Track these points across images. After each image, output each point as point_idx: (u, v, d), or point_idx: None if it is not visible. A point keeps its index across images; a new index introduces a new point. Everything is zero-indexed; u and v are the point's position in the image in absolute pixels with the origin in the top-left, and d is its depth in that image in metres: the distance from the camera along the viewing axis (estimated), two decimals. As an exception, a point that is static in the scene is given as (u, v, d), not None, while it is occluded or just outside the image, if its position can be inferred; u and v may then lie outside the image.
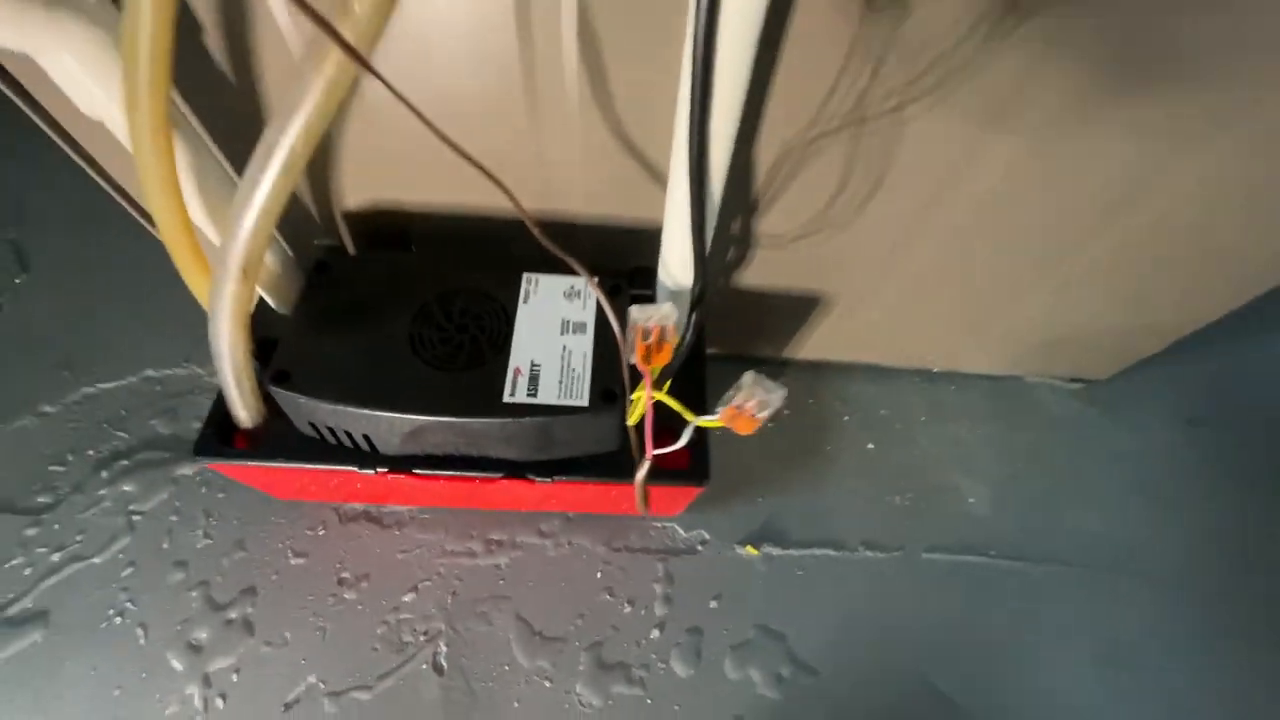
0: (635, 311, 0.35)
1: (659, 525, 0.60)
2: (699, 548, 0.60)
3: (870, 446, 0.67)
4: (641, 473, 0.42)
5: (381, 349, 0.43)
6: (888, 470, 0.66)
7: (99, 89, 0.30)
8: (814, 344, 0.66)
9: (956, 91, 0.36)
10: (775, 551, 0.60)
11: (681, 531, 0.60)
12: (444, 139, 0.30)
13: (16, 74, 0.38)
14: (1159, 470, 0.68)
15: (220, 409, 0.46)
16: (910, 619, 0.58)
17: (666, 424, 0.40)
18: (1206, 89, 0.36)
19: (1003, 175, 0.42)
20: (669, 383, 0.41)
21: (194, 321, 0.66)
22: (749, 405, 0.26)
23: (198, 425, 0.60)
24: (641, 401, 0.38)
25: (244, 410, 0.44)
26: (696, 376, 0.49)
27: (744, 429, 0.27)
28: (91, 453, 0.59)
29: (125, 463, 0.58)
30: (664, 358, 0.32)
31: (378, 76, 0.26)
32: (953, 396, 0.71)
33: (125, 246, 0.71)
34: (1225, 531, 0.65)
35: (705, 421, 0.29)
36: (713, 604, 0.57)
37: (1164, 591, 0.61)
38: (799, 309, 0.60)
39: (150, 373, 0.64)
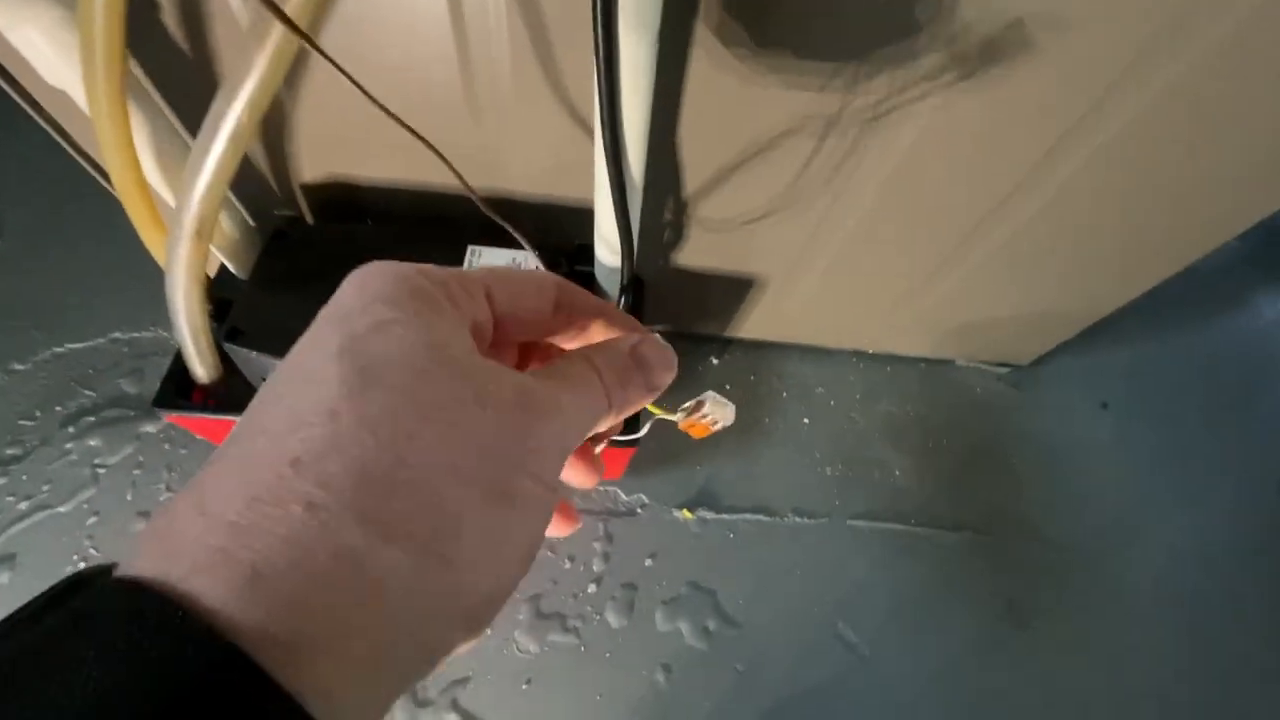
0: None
1: (601, 488, 0.64)
2: (638, 510, 0.64)
3: (805, 421, 0.71)
4: (600, 448, 0.45)
5: (331, 311, 0.46)
6: (821, 443, 0.70)
7: (61, 61, 0.33)
8: (754, 324, 0.71)
9: (856, 89, 0.40)
10: (709, 515, 0.64)
11: (623, 495, 0.64)
12: (386, 111, 0.33)
13: None
14: (1070, 448, 0.73)
15: (180, 365, 0.49)
16: (830, 579, 0.63)
17: None
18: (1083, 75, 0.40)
19: (905, 157, 0.46)
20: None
21: (161, 287, 0.69)
22: (706, 420, 0.30)
23: (163, 386, 0.63)
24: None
25: (201, 366, 0.48)
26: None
27: (697, 434, 0.31)
28: (59, 409, 0.61)
29: (91, 419, 0.61)
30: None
31: (317, 49, 0.30)
32: (887, 377, 0.76)
33: (95, 214, 0.74)
34: (1124, 505, 0.70)
35: (663, 413, 0.32)
36: (648, 562, 0.61)
37: (1064, 555, 0.66)
38: (736, 290, 0.64)
39: (118, 335, 0.66)
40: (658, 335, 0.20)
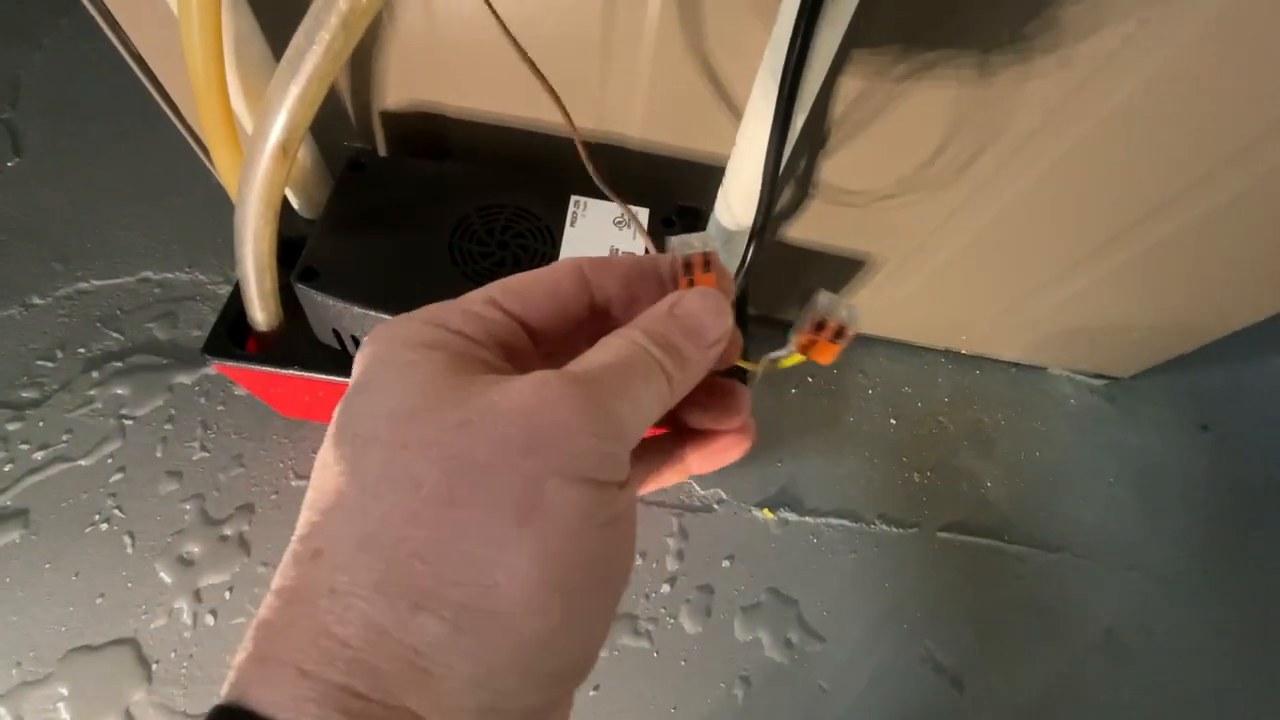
0: (674, 241, 0.32)
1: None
2: (715, 506, 0.58)
3: (892, 422, 0.66)
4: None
5: (418, 257, 0.40)
6: (908, 446, 0.65)
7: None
8: (846, 313, 0.64)
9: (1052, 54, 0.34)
10: (791, 517, 0.59)
11: (698, 489, 0.59)
12: (506, 31, 0.27)
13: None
14: (1165, 470, 0.68)
15: (234, 308, 0.43)
16: (920, 593, 0.57)
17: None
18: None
19: (1065, 154, 0.40)
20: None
21: (200, 228, 0.62)
22: (831, 324, 0.23)
23: (197, 333, 0.57)
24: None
25: (261, 311, 0.41)
26: (740, 323, 0.47)
27: (824, 357, 0.24)
28: (82, 351, 0.55)
29: (118, 364, 0.55)
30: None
31: None
32: (977, 381, 0.70)
33: (130, 142, 0.67)
34: (1220, 535, 0.65)
35: (782, 358, 0.26)
36: (725, 564, 0.56)
37: (1160, 586, 0.61)
38: (841, 271, 0.58)
39: (149, 274, 0.60)
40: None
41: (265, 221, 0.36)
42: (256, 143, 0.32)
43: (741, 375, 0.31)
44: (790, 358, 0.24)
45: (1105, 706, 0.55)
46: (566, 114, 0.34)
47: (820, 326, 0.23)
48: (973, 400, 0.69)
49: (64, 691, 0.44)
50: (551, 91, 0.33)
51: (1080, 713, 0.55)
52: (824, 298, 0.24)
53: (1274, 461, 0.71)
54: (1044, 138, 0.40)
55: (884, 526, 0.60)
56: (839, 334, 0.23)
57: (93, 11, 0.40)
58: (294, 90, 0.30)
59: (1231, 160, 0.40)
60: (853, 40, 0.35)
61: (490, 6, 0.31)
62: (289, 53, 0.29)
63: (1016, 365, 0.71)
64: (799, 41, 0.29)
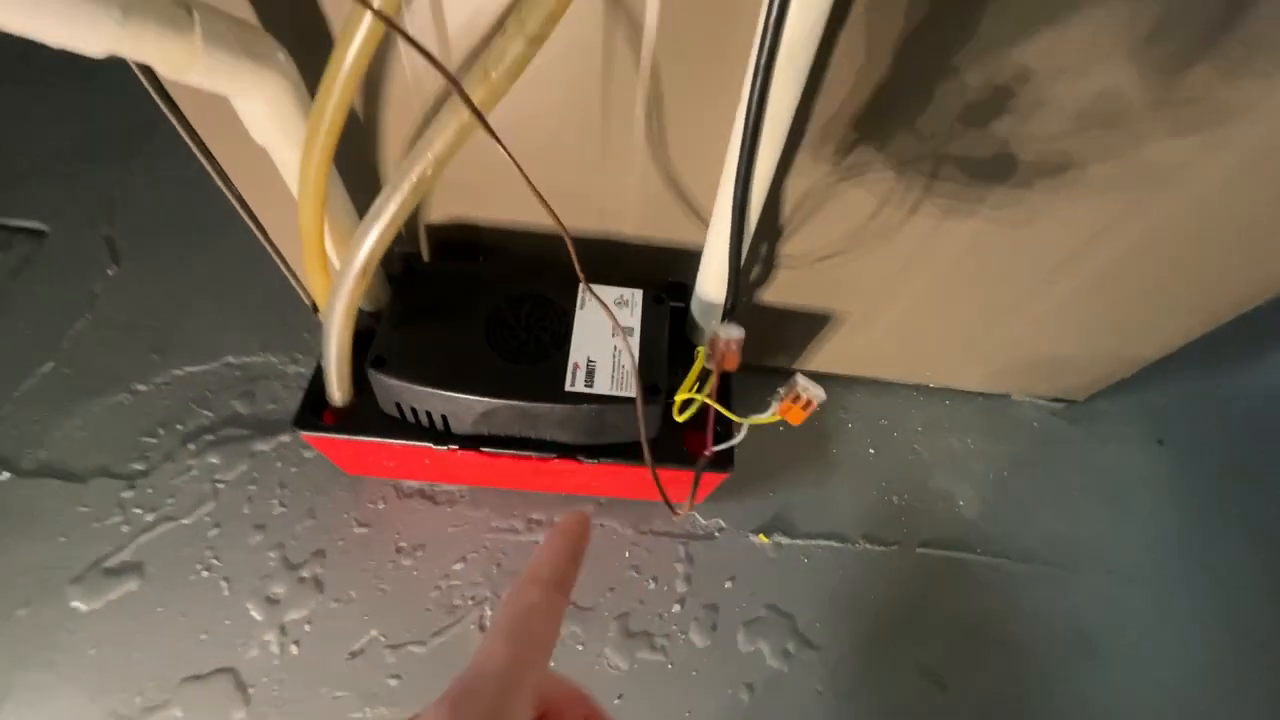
0: (720, 329, 0.43)
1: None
2: (716, 534, 0.67)
3: (871, 452, 0.74)
4: (702, 463, 0.49)
5: (462, 343, 0.50)
6: (887, 472, 0.73)
7: (275, 128, 0.38)
8: (822, 358, 0.74)
9: (967, 141, 0.44)
10: (784, 540, 0.67)
11: (701, 520, 0.67)
12: (526, 178, 0.37)
13: (183, 107, 0.46)
14: (1127, 483, 0.75)
15: (315, 389, 0.53)
16: (904, 604, 0.65)
17: (701, 426, 0.48)
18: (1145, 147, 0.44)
19: (989, 216, 0.50)
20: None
21: (269, 318, 0.74)
22: (803, 398, 0.33)
23: (272, 406, 0.68)
24: (693, 401, 0.46)
25: (339, 390, 0.52)
26: (724, 386, 0.57)
27: (795, 419, 0.35)
28: (180, 427, 0.66)
29: (210, 437, 0.66)
30: (731, 364, 0.40)
31: (490, 131, 0.34)
32: (947, 411, 0.79)
33: (206, 249, 0.79)
34: (1182, 537, 0.72)
35: (761, 419, 0.36)
36: (728, 584, 0.64)
37: (1128, 587, 0.68)
38: (812, 325, 0.68)
39: (230, 359, 0.71)
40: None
41: (345, 326, 0.47)
42: (345, 271, 0.43)
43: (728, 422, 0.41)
44: (770, 417, 0.35)
45: (1080, 701, 0.62)
46: (559, 222, 0.44)
47: (796, 399, 0.34)
48: (944, 428, 0.77)
49: (179, 715, 0.53)
50: (548, 207, 0.44)
51: (1056, 708, 0.61)
52: (801, 379, 0.35)
53: (1227, 468, 0.78)
54: (961, 210, 0.50)
55: (867, 545, 0.68)
56: (808, 405, 0.34)
57: (202, 160, 0.52)
58: (374, 234, 0.41)
59: (1126, 210, 0.50)
60: (790, 157, 0.46)
61: (511, 157, 0.42)
62: (373, 210, 0.41)
63: (982, 394, 0.80)
64: (745, 162, 0.39)
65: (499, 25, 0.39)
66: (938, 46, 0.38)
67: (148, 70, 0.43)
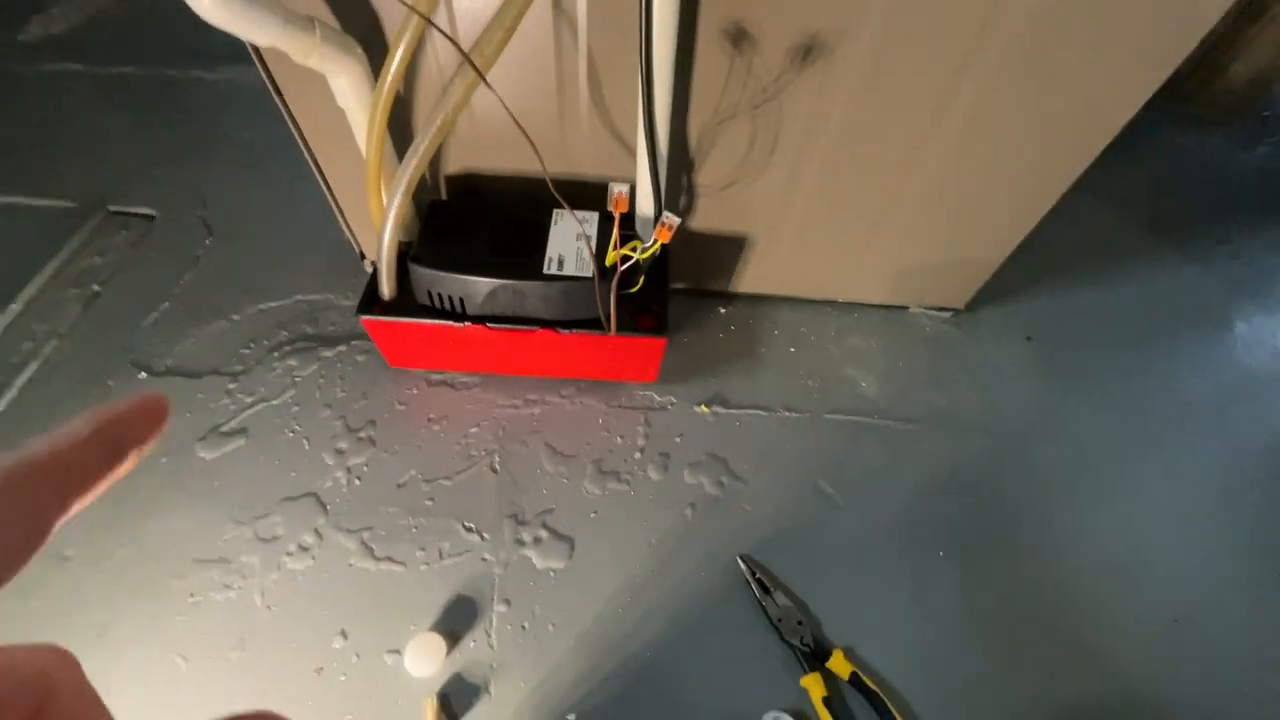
0: (615, 186, 0.64)
1: (641, 392, 0.88)
2: (668, 407, 0.87)
3: (792, 350, 0.95)
4: (613, 285, 0.70)
5: (473, 247, 0.73)
6: (804, 365, 0.94)
7: (353, 96, 0.62)
8: (748, 280, 0.96)
9: (791, 92, 0.67)
10: (721, 410, 0.87)
11: (656, 397, 0.88)
12: (519, 126, 0.60)
13: (287, 97, 0.70)
14: (998, 369, 0.95)
15: (369, 291, 0.76)
16: (812, 451, 0.85)
17: (643, 309, 0.70)
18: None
19: (834, 139, 0.72)
20: (640, 281, 0.71)
21: (326, 268, 0.98)
22: (667, 223, 0.55)
23: (332, 328, 0.91)
24: (612, 251, 0.68)
25: (387, 285, 0.74)
26: (662, 297, 0.78)
27: (665, 238, 0.57)
28: (266, 342, 0.89)
29: (288, 348, 0.88)
30: (621, 207, 0.62)
31: (489, 86, 0.57)
32: (855, 321, 1.00)
33: (276, 224, 1.04)
34: (1039, 405, 0.91)
35: (649, 248, 0.58)
36: (677, 439, 0.84)
37: (994, 441, 0.87)
38: (733, 248, 0.89)
39: (299, 297, 0.94)
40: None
41: (394, 233, 0.70)
42: (395, 189, 0.66)
43: (636, 264, 0.63)
44: (653, 246, 0.58)
45: (956, 514, 0.81)
46: (542, 162, 0.67)
47: (663, 224, 0.56)
48: (852, 333, 0.98)
49: (279, 520, 0.74)
50: (537, 153, 0.66)
51: (933, 520, 0.80)
52: (666, 213, 0.58)
53: (1079, 353, 0.97)
54: (812, 134, 0.73)
55: (786, 413, 0.88)
56: (671, 226, 0.56)
57: (292, 130, 0.76)
58: (414, 163, 0.64)
59: (920, 134, 0.72)
60: (684, 106, 0.69)
61: (505, 107, 0.65)
62: (412, 147, 0.64)
63: (884, 307, 1.01)
64: (648, 107, 0.62)
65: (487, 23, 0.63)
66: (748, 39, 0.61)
67: (269, 73, 0.67)
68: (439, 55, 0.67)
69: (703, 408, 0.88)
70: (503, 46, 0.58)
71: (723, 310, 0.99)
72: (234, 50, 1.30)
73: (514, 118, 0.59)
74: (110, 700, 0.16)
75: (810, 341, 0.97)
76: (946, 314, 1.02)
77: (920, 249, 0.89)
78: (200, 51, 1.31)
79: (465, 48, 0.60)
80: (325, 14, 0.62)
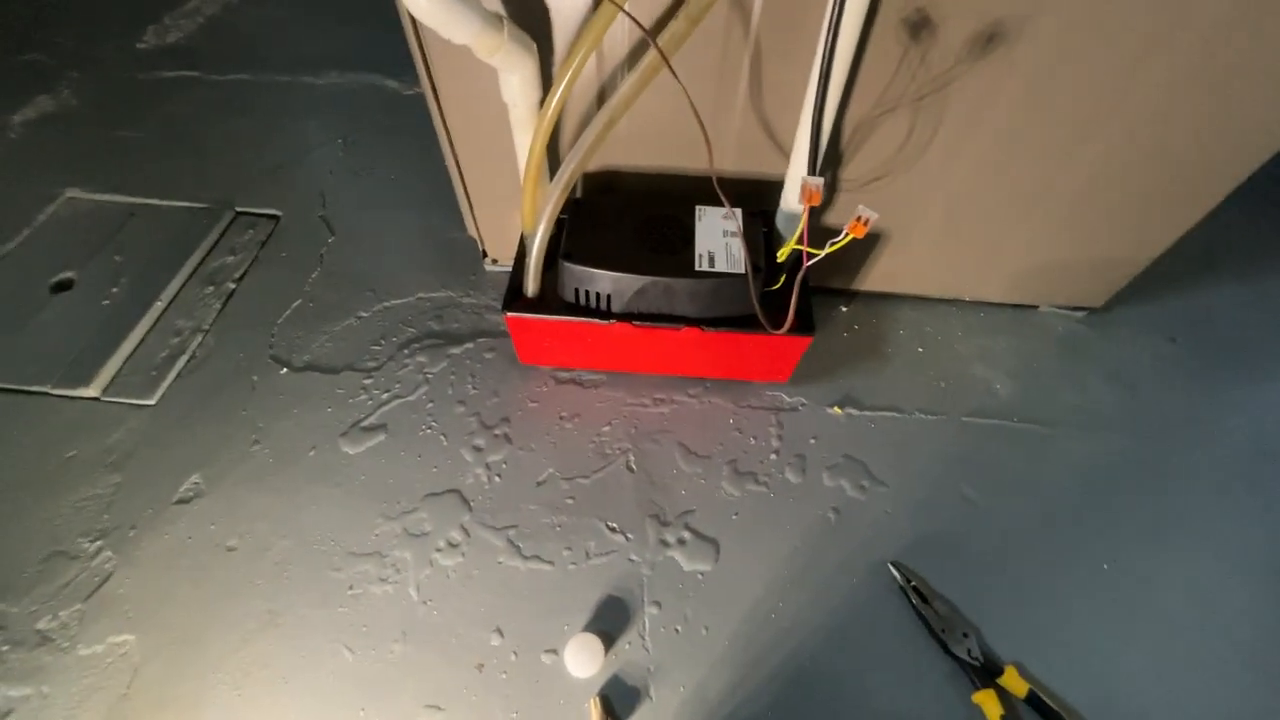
0: (807, 179, 0.62)
1: (770, 392, 0.86)
2: (799, 408, 0.85)
3: (920, 350, 0.92)
4: (797, 281, 0.68)
5: (622, 244, 0.72)
6: (933, 366, 0.91)
7: (522, 91, 0.62)
8: (874, 278, 0.93)
9: (962, 83, 0.64)
10: (854, 411, 0.85)
11: (786, 398, 0.86)
12: (699, 120, 0.59)
13: (439, 88, 0.70)
14: (1140, 371, 0.90)
15: (513, 287, 0.76)
16: (951, 454, 0.82)
17: (782, 309, 0.69)
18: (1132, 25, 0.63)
19: (992, 136, 0.70)
20: (782, 279, 0.70)
21: (445, 266, 0.99)
22: (864, 217, 0.54)
23: (456, 325, 0.92)
24: (788, 261, 0.67)
25: (533, 283, 0.74)
26: (804, 295, 0.77)
27: (860, 233, 0.55)
28: (395, 339, 0.90)
29: (416, 345, 0.89)
30: (815, 200, 0.60)
31: (675, 76, 0.56)
32: (981, 320, 0.96)
33: (394, 221, 1.05)
34: (1179, 409, 0.86)
35: (837, 243, 0.56)
36: (812, 441, 0.82)
37: (1125, 442, 0.83)
38: (863, 245, 0.87)
39: (421, 295, 0.95)
40: None
41: (546, 234, 0.70)
42: (554, 186, 0.66)
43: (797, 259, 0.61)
44: (843, 240, 0.55)
45: (1094, 527, 0.77)
46: (711, 159, 0.66)
47: (858, 219, 0.55)
48: (979, 333, 0.95)
49: (425, 515, 0.74)
50: (709, 147, 0.65)
51: (1073, 531, 0.76)
52: (861, 207, 0.56)
53: (1233, 359, 0.92)
54: (969, 133, 0.70)
55: (921, 415, 0.85)
56: (867, 221, 0.54)
57: (441, 134, 0.76)
58: (578, 156, 0.64)
59: (1087, 128, 0.69)
60: (847, 97, 0.67)
61: (693, 107, 0.64)
62: (581, 138, 0.63)
63: (1011, 306, 0.97)
64: (821, 98, 0.60)
65: (669, 12, 0.62)
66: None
67: (430, 76, 0.68)
68: (602, 59, 0.66)
69: (835, 409, 0.85)
70: (685, 39, 0.57)
71: (844, 308, 0.96)
72: (339, 56, 1.34)
73: (695, 109, 0.58)
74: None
75: (937, 341, 0.94)
76: (1079, 314, 0.97)
77: (1061, 246, 0.85)
78: (306, 58, 1.35)
79: (635, 37, 0.59)
80: (506, 13, 0.62)
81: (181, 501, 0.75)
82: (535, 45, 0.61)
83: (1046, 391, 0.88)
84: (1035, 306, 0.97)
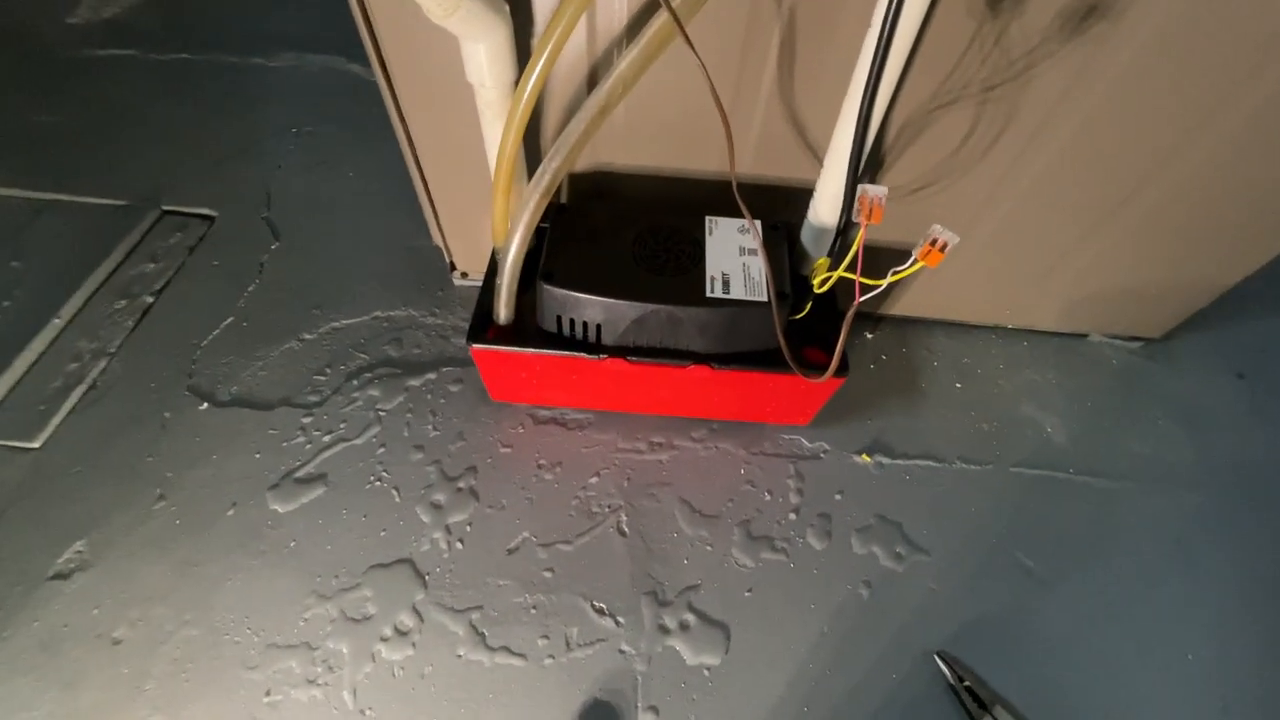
0: (867, 187, 0.49)
1: (787, 436, 0.73)
2: (821, 455, 0.72)
3: (958, 385, 0.80)
4: (847, 318, 0.55)
5: (615, 262, 0.59)
6: (974, 404, 0.78)
7: (491, 69, 0.48)
8: (905, 301, 0.80)
9: (1044, 71, 0.52)
10: (885, 460, 0.72)
11: (806, 443, 0.73)
12: (719, 106, 0.46)
13: (391, 67, 0.56)
14: (1207, 410, 0.79)
15: (479, 313, 0.62)
16: (1001, 514, 0.69)
17: (817, 341, 0.56)
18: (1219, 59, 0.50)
19: (1066, 136, 0.57)
20: (808, 307, 0.57)
21: (407, 279, 0.85)
22: (940, 240, 0.40)
23: (418, 351, 0.78)
24: (831, 274, 0.53)
25: (505, 309, 0.61)
26: (834, 326, 0.64)
27: (934, 262, 0.42)
28: (343, 367, 0.75)
29: (369, 375, 0.75)
30: (877, 218, 0.47)
31: (692, 48, 0.43)
32: (1026, 350, 0.84)
33: (349, 226, 0.91)
34: (1256, 460, 0.75)
35: (903, 271, 0.43)
36: (837, 497, 0.69)
37: (1201, 498, 0.71)
38: (894, 263, 0.74)
39: (379, 313, 0.81)
40: None
41: (524, 242, 0.56)
42: (532, 188, 0.52)
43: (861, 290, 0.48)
44: (912, 267, 0.42)
45: (1174, 604, 0.65)
46: (732, 151, 0.53)
47: (933, 243, 0.41)
48: (1024, 365, 0.82)
49: (369, 594, 0.60)
50: (730, 143, 0.51)
51: (1151, 609, 0.64)
52: (936, 226, 0.42)
53: (1310, 400, 0.80)
54: (1043, 133, 0.57)
55: (963, 465, 0.73)
56: (944, 246, 0.41)
57: (395, 119, 0.62)
58: (563, 153, 0.50)
59: (1189, 133, 0.56)
60: (901, 86, 0.54)
61: (711, 86, 0.50)
62: (566, 130, 0.50)
63: (1059, 335, 0.85)
64: (874, 84, 0.47)
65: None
66: (1033, -24, 0.46)
67: (378, 49, 0.54)
68: (595, 21, 0.53)
69: (863, 457, 0.72)
70: (704, 2, 0.44)
71: (869, 335, 0.84)
72: (297, 36, 1.15)
73: (715, 92, 0.45)
74: None
75: (976, 375, 0.81)
76: (1136, 344, 0.85)
77: (1125, 270, 0.73)
78: (260, 36, 1.20)
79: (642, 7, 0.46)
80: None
81: (59, 576, 0.60)
82: (507, 6, 0.47)
83: (1108, 436, 0.76)
84: (1085, 335, 0.85)
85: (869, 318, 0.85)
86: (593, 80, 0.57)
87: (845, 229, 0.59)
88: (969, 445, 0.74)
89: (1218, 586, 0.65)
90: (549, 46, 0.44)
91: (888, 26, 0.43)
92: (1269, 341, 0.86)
